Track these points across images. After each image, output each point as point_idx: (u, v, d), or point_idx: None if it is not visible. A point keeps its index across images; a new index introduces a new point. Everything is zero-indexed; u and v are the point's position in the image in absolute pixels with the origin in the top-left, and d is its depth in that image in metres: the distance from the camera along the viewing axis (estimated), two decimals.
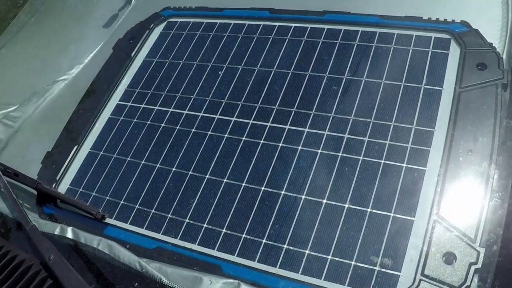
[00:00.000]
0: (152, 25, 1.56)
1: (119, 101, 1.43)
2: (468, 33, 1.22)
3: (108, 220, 1.21)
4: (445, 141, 1.09)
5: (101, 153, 1.33)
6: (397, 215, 1.03)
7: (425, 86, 1.17)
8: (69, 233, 1.17)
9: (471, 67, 1.17)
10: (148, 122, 1.34)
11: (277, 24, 1.42)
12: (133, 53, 1.51)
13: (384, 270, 0.98)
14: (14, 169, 1.30)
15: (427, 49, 1.23)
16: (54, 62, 1.76)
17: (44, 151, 1.41)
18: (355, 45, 1.30)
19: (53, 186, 1.30)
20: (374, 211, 1.04)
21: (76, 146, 1.36)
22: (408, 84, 1.19)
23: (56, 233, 1.18)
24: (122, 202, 1.22)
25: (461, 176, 1.04)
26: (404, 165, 1.08)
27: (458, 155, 1.06)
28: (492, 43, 1.20)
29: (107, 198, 1.24)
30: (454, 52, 1.21)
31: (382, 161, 1.10)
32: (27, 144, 1.50)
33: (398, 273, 0.97)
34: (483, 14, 1.27)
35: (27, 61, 1.86)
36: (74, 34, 1.85)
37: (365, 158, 1.11)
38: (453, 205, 1.02)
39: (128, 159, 1.29)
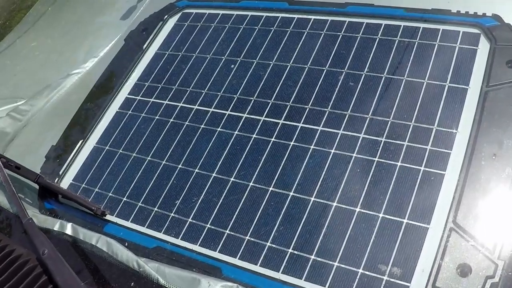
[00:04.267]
0: (166, 16, 1.65)
1: (128, 94, 1.52)
2: (499, 27, 1.25)
3: (109, 217, 1.29)
4: (468, 144, 1.12)
5: (107, 148, 1.42)
6: (410, 222, 1.06)
7: (450, 84, 1.21)
8: (68, 229, 1.26)
9: (501, 64, 1.19)
10: (157, 117, 1.42)
11: (295, 16, 1.48)
12: (145, 45, 1.60)
13: (392, 280, 1.01)
14: (16, 162, 1.40)
15: (454, 45, 1.27)
16: (70, 55, 1.87)
17: (50, 146, 1.51)
18: (377, 39, 1.35)
19: (56, 181, 1.40)
20: (386, 216, 1.08)
21: (82, 141, 1.45)
22: (432, 82, 1.22)
23: (55, 229, 1.27)
24: (124, 199, 1.31)
25: (482, 182, 1.07)
26: (422, 168, 1.12)
27: (481, 159, 1.09)
28: None
29: (110, 194, 1.33)
30: (483, 48, 1.24)
31: (398, 163, 1.14)
32: (35, 138, 1.61)
33: (408, 284, 0.99)
34: None
35: (43, 53, 1.98)
36: (91, 26, 1.96)
37: (380, 160, 1.15)
38: (472, 213, 1.04)
39: (134, 154, 1.37)
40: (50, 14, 2.17)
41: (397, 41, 1.32)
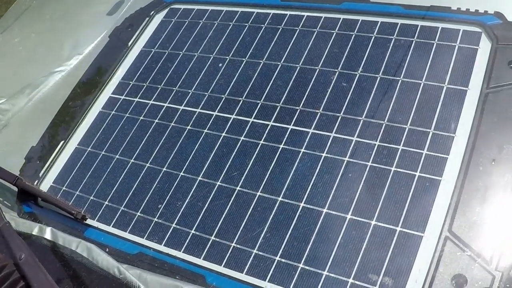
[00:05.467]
0: (152, 12, 1.64)
1: (111, 94, 1.51)
2: (502, 26, 1.24)
3: (89, 222, 1.28)
4: (466, 148, 1.10)
5: (89, 149, 1.41)
6: (404, 230, 1.05)
7: (448, 86, 1.20)
8: (48, 234, 1.24)
9: (502, 65, 1.18)
10: (141, 118, 1.41)
11: (288, 13, 1.47)
12: (131, 42, 1.59)
13: None
14: None
15: (453, 44, 1.25)
16: (53, 52, 1.85)
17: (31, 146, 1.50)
18: (373, 37, 1.33)
19: (36, 183, 1.39)
20: (378, 223, 1.07)
21: (63, 141, 1.44)
22: (429, 83, 1.21)
23: (34, 233, 1.25)
24: (106, 202, 1.29)
25: (480, 188, 1.05)
26: (417, 173, 1.10)
27: (479, 164, 1.08)
28: None
29: (91, 198, 1.31)
30: (484, 48, 1.23)
31: (392, 168, 1.12)
32: (16, 139, 1.60)
33: None
34: None
35: (26, 50, 1.96)
36: (77, 22, 1.94)
37: (373, 164, 1.14)
38: (469, 221, 1.03)
39: (117, 156, 1.36)
40: (35, 8, 2.16)
41: (393, 39, 1.31)
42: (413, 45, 1.28)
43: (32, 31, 2.03)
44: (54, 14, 2.05)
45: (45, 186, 1.39)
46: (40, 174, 1.40)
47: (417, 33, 1.30)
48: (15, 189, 1.38)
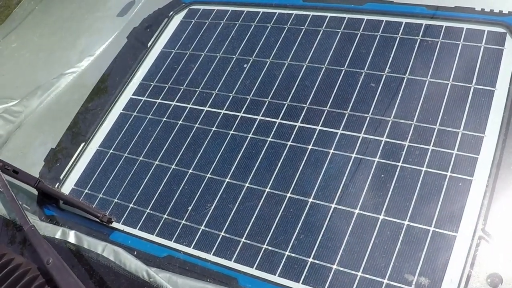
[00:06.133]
0: (171, 13, 1.65)
1: (132, 95, 1.52)
2: None
3: (115, 225, 1.28)
4: (496, 148, 1.13)
5: (111, 151, 1.42)
6: (437, 230, 1.07)
7: (475, 86, 1.22)
8: (72, 237, 1.25)
9: None
10: (164, 119, 1.43)
11: (311, 13, 1.49)
12: (150, 43, 1.61)
13: None
14: (14, 166, 1.39)
15: (479, 44, 1.28)
16: (62, 54, 1.87)
17: (47, 149, 1.51)
18: (398, 38, 1.36)
19: (56, 186, 1.39)
20: (411, 224, 1.09)
21: (83, 144, 1.45)
22: (456, 83, 1.24)
23: (57, 236, 1.26)
24: (131, 205, 1.30)
25: None
26: (448, 173, 1.13)
27: (510, 163, 1.10)
28: None
29: (115, 200, 1.32)
30: (510, 48, 1.25)
31: (423, 169, 1.15)
32: (30, 141, 1.60)
33: None
34: None
35: (32, 52, 1.98)
36: (85, 23, 1.95)
37: (404, 165, 1.16)
38: (502, 220, 1.05)
39: (140, 158, 1.37)
40: (38, 11, 2.16)
41: (419, 40, 1.33)
42: (438, 45, 1.31)
43: (36, 35, 2.03)
44: (59, 17, 2.06)
45: (66, 188, 1.39)
46: (61, 177, 1.41)
47: (442, 33, 1.33)
48: (35, 192, 1.38)
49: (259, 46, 1.48)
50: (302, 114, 1.31)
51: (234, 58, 1.48)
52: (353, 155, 1.21)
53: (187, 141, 1.36)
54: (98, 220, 1.28)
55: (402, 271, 1.04)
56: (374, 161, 1.19)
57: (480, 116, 1.18)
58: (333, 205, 1.15)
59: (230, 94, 1.41)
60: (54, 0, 2.17)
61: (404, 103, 1.25)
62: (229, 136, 1.33)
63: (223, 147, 1.32)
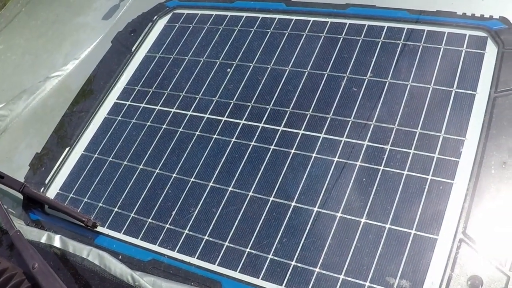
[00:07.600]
0: (155, 17, 1.66)
1: (117, 99, 1.52)
2: (507, 30, 1.28)
3: (100, 229, 1.29)
4: (476, 152, 1.14)
5: (95, 155, 1.42)
6: (418, 233, 1.08)
7: (457, 90, 1.23)
8: (57, 242, 1.25)
9: (509, 69, 1.22)
10: (148, 123, 1.43)
11: (293, 17, 1.50)
12: (134, 47, 1.61)
13: None
14: None
15: (460, 48, 1.29)
16: (47, 57, 1.86)
17: (33, 153, 1.50)
18: (380, 42, 1.37)
19: (42, 190, 1.39)
20: (393, 227, 1.10)
21: (68, 148, 1.45)
22: (438, 87, 1.25)
23: (42, 241, 1.26)
24: (116, 209, 1.30)
25: (492, 191, 1.09)
26: (429, 177, 1.14)
27: (490, 167, 1.11)
28: None
29: (100, 204, 1.32)
30: (490, 52, 1.27)
31: (405, 172, 1.15)
32: (15, 145, 1.60)
33: None
34: None
35: (17, 56, 1.97)
36: (70, 26, 1.95)
37: (386, 168, 1.17)
38: (482, 223, 1.06)
39: (125, 163, 1.37)
40: (24, 14, 2.16)
41: (400, 44, 1.34)
42: (420, 49, 1.32)
43: (22, 37, 2.02)
44: (45, 20, 2.05)
45: (51, 193, 1.39)
46: (46, 181, 1.40)
47: (424, 38, 1.33)
48: (21, 196, 1.38)
49: (242, 50, 1.48)
50: (285, 118, 1.31)
51: (218, 63, 1.48)
52: (336, 159, 1.21)
53: (171, 146, 1.36)
54: (83, 225, 1.28)
55: (384, 273, 1.05)
56: (356, 165, 1.19)
57: (461, 119, 1.19)
58: (315, 209, 1.16)
59: (213, 99, 1.41)
60: (40, 3, 2.16)
61: (386, 107, 1.25)
62: (212, 141, 1.34)
63: (207, 151, 1.32)
